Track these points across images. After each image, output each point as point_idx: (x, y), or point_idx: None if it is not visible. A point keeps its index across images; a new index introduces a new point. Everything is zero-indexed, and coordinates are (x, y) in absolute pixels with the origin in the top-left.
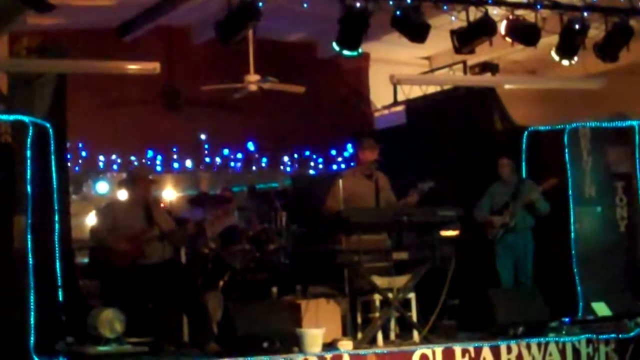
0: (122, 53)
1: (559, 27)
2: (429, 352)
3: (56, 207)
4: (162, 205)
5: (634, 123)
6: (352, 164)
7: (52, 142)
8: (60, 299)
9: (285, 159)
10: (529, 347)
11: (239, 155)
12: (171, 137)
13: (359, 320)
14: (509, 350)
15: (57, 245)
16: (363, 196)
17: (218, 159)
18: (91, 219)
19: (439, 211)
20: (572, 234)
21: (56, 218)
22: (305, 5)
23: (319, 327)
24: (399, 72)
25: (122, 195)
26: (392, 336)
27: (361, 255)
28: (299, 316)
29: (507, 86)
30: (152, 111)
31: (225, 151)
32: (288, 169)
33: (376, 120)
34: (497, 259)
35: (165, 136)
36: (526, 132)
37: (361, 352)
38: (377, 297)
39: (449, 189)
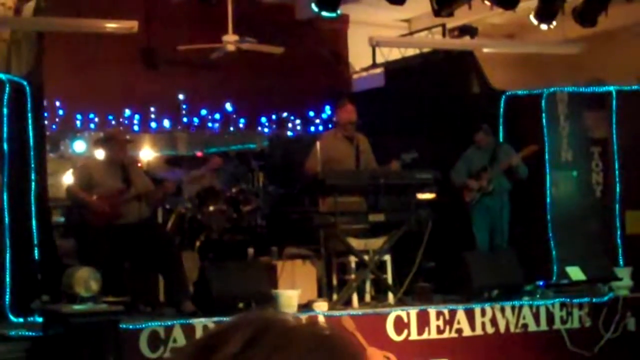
0: (100, 11)
1: None
2: (403, 314)
3: (33, 166)
4: (139, 165)
5: (611, 88)
6: (329, 125)
7: (29, 100)
8: (36, 257)
9: (263, 120)
10: (503, 310)
11: (217, 116)
12: (149, 96)
13: (335, 281)
14: (483, 313)
15: (33, 204)
16: (342, 158)
17: (196, 120)
18: (68, 178)
19: (416, 174)
20: (548, 198)
21: (32, 177)
22: None
23: (295, 288)
24: (378, 34)
25: (100, 154)
26: (367, 298)
27: (337, 217)
28: (275, 277)
29: (485, 50)
30: (130, 70)
31: (203, 111)
32: (266, 130)
33: (354, 82)
34: (473, 222)
35: (143, 96)
36: (504, 96)
37: (336, 313)
38: (352, 259)
39: (426, 152)
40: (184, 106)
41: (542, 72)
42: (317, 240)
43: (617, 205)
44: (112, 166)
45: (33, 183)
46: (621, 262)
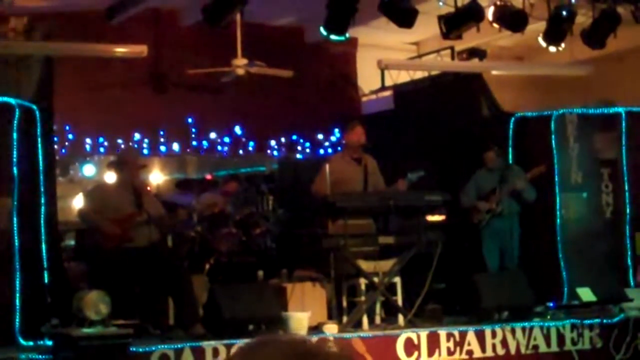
0: (110, 36)
1: (547, 14)
2: (414, 336)
3: (42, 190)
4: (148, 188)
5: (621, 110)
6: (339, 148)
7: (38, 124)
8: (46, 281)
9: (272, 143)
10: (513, 331)
11: (226, 139)
12: (158, 120)
13: (345, 304)
14: (494, 334)
15: (43, 228)
16: (351, 180)
17: (205, 143)
18: (77, 202)
19: (426, 196)
20: (558, 220)
21: (42, 200)
22: None
23: (305, 310)
24: (387, 57)
25: (109, 177)
26: (378, 320)
27: (347, 239)
28: (285, 299)
29: (494, 72)
30: (139, 94)
31: (212, 135)
32: (275, 153)
33: (363, 105)
34: (483, 244)
35: (152, 119)
36: (513, 118)
37: (346, 335)
38: (362, 281)
39: (436, 174)
40: (194, 130)
41: (551, 93)
42: (326, 263)
43: (627, 226)
44: (124, 189)
45: (43, 207)
46: (632, 283)
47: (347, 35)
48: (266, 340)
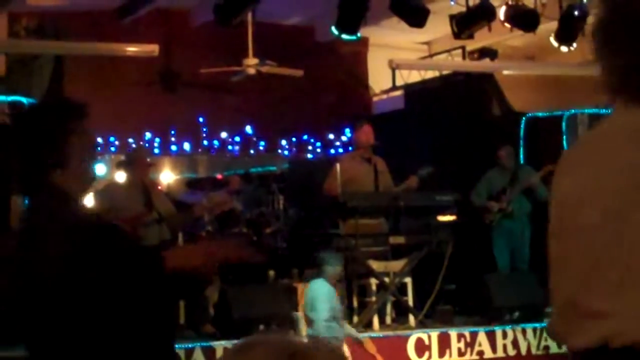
0: (121, 35)
1: (558, 13)
2: (424, 336)
3: None
4: (159, 187)
5: None
6: (350, 148)
7: None
8: None
9: (283, 142)
10: (524, 332)
11: (237, 139)
12: (169, 119)
13: (355, 304)
14: (505, 335)
15: None
16: (361, 180)
17: (216, 142)
18: (88, 201)
19: (436, 196)
20: None
21: None
22: None
23: None
24: (398, 57)
25: (120, 177)
26: (388, 320)
27: (358, 239)
28: (296, 299)
29: (505, 72)
30: (150, 93)
31: (223, 134)
32: (286, 152)
33: (374, 104)
34: (494, 244)
35: (163, 119)
36: (524, 118)
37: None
38: (373, 281)
39: (447, 174)
40: (204, 129)
41: (562, 93)
42: None
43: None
44: (133, 189)
45: None
46: None
47: (359, 34)
48: (255, 340)
